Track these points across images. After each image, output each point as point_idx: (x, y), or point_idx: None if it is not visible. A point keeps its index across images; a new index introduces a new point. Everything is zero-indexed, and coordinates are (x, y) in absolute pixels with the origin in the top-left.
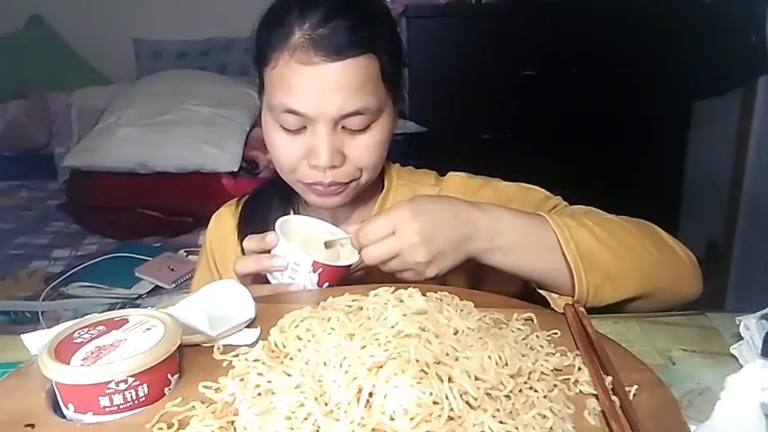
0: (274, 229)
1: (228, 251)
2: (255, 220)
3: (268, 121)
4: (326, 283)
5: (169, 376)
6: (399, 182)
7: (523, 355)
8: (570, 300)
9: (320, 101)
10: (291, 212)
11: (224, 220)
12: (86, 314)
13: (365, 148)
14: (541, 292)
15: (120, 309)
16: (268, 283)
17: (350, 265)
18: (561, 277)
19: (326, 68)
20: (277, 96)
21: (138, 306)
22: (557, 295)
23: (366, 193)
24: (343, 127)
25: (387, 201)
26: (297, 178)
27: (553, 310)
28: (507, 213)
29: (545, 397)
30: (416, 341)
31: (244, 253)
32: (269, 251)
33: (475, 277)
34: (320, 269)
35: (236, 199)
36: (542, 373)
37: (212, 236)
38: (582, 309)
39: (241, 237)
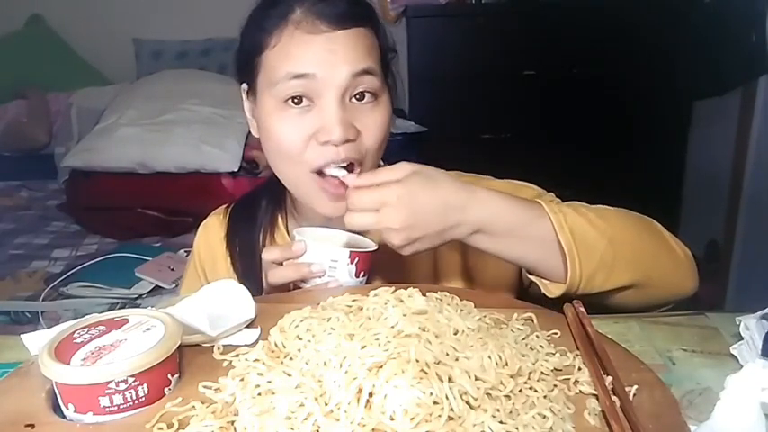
0: (288, 239)
1: (218, 259)
2: (242, 228)
3: (268, 109)
4: (362, 272)
5: (169, 376)
6: None
7: (523, 355)
8: (562, 286)
9: (329, 62)
10: (280, 220)
11: (212, 229)
12: (86, 314)
13: (374, 124)
14: (532, 277)
15: (120, 309)
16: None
17: (377, 249)
18: (552, 264)
19: (334, 36)
20: (282, 68)
21: (138, 306)
22: (548, 281)
23: None
24: (351, 100)
25: None
26: (308, 167)
27: (545, 296)
28: (502, 200)
29: (545, 397)
30: (416, 341)
31: (261, 264)
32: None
33: (468, 278)
34: (357, 258)
35: (223, 207)
36: (542, 373)
37: (200, 245)
38: (582, 309)
39: (230, 246)
